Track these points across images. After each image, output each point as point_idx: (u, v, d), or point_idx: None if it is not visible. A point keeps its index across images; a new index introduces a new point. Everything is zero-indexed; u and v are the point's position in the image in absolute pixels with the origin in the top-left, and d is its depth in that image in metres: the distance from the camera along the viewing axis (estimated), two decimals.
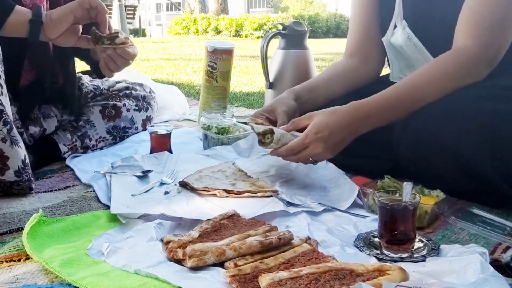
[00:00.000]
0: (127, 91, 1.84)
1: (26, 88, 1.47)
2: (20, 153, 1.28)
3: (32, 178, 1.32)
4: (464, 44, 1.26)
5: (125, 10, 12.41)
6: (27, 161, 1.30)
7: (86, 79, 1.82)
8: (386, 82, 1.45)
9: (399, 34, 1.43)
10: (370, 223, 1.12)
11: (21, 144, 1.29)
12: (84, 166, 1.51)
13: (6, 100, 1.28)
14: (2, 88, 1.27)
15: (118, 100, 1.79)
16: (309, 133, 1.22)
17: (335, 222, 1.13)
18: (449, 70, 1.26)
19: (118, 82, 1.88)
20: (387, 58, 1.58)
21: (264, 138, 1.27)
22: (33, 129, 1.52)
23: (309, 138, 1.21)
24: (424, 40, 1.41)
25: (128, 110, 1.80)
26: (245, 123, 1.92)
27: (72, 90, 1.62)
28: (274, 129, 1.26)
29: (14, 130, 1.27)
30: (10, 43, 1.30)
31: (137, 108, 1.83)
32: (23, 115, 1.50)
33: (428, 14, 1.40)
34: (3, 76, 1.28)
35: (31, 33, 1.27)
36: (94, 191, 1.31)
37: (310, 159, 1.26)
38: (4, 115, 1.25)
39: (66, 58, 1.59)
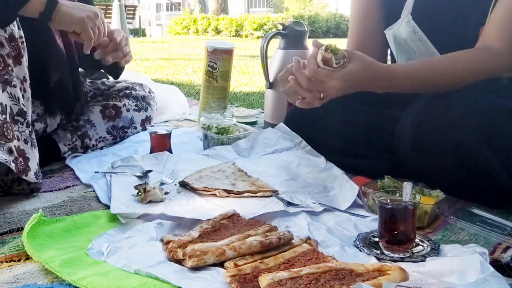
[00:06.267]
0: (127, 91, 1.84)
1: (54, 87, 1.50)
2: (36, 156, 1.30)
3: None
4: (494, 45, 1.26)
5: (125, 10, 12.38)
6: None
7: (86, 80, 1.82)
8: None
9: (402, 27, 1.41)
10: (370, 223, 1.13)
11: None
12: (84, 166, 1.51)
13: (28, 104, 1.31)
14: (25, 92, 1.29)
15: (118, 100, 1.79)
16: (342, 79, 1.20)
17: (335, 222, 1.13)
18: (473, 65, 1.26)
19: (118, 82, 1.88)
20: (391, 51, 1.57)
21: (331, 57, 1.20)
22: (39, 125, 1.53)
23: (338, 83, 1.20)
24: (431, 35, 1.40)
25: (128, 110, 1.80)
26: (245, 122, 1.93)
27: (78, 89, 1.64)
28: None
29: (33, 133, 1.30)
30: (36, 50, 1.37)
31: (136, 108, 1.83)
32: (51, 111, 1.55)
33: (440, 10, 1.39)
34: (28, 80, 1.31)
35: (43, 14, 1.29)
36: (94, 191, 1.32)
37: (322, 95, 1.24)
38: (27, 117, 1.27)
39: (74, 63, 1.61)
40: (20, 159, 1.25)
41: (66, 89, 1.51)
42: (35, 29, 1.40)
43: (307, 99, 1.27)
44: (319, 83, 1.22)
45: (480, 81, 1.25)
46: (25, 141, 1.26)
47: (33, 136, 1.30)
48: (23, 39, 1.29)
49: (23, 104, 1.27)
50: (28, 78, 1.31)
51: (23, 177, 1.25)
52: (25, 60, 1.29)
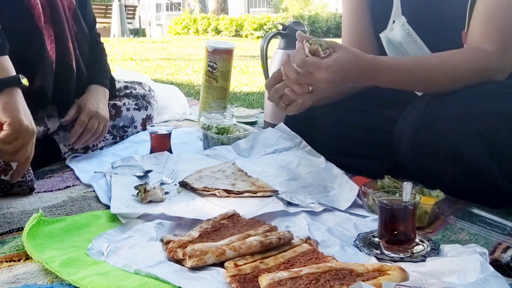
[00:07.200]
0: (127, 91, 1.84)
1: (34, 92, 1.46)
2: None
3: (34, 179, 1.32)
4: (483, 47, 1.24)
5: (125, 10, 12.41)
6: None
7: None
8: None
9: (397, 30, 1.41)
10: (370, 223, 1.12)
11: None
12: (84, 166, 1.51)
13: None
14: None
15: (118, 100, 1.79)
16: (331, 70, 1.18)
17: (335, 222, 1.13)
18: (463, 64, 1.25)
19: (117, 81, 1.88)
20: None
21: (318, 48, 1.22)
22: (38, 129, 1.52)
23: (327, 75, 1.19)
24: (423, 36, 1.39)
25: (128, 109, 1.79)
26: (245, 122, 1.93)
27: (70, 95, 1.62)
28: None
29: None
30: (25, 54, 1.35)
31: (136, 107, 1.83)
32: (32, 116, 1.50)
33: (427, 10, 1.39)
34: None
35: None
36: (94, 191, 1.32)
37: (310, 88, 1.23)
38: None
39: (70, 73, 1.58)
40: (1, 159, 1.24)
41: (46, 95, 1.48)
42: (26, 33, 1.39)
43: (296, 93, 1.25)
44: (308, 75, 1.21)
45: (479, 84, 1.23)
46: None
47: None
48: None
49: None
50: None
51: (2, 177, 1.24)
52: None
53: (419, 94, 1.41)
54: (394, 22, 1.44)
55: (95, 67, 1.70)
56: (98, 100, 1.61)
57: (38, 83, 1.45)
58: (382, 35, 1.47)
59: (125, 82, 1.90)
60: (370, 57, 1.25)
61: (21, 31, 1.38)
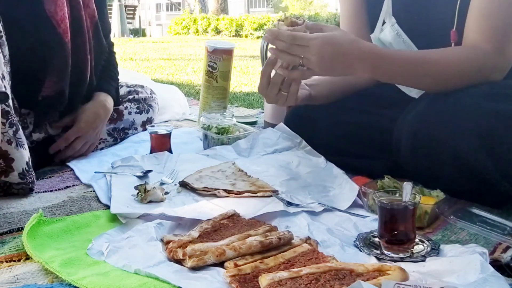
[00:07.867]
0: (130, 96, 1.84)
1: (43, 100, 1.46)
2: (24, 155, 1.28)
3: (35, 180, 1.32)
4: (480, 46, 1.24)
5: (125, 10, 12.42)
6: (30, 163, 1.30)
7: None
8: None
9: (387, 31, 1.41)
10: (370, 223, 1.13)
11: (26, 146, 1.29)
12: (84, 166, 1.51)
13: (11, 103, 1.28)
14: (6, 89, 1.27)
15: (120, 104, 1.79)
16: (321, 40, 1.19)
17: (335, 222, 1.13)
18: (460, 62, 1.25)
19: (120, 86, 1.88)
20: None
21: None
22: (37, 136, 1.51)
23: (317, 43, 1.19)
24: (413, 37, 1.39)
25: (129, 113, 1.80)
26: (245, 122, 1.93)
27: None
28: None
29: (20, 131, 1.27)
30: (32, 61, 1.37)
31: (138, 110, 1.83)
32: (37, 123, 1.50)
33: (418, 11, 1.39)
34: (7, 78, 1.28)
35: None
36: (94, 191, 1.32)
37: (301, 62, 1.23)
38: (10, 117, 1.24)
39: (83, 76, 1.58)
40: (0, 161, 1.24)
41: (59, 102, 1.48)
42: (48, 46, 1.40)
43: (287, 70, 1.26)
44: (298, 47, 1.21)
45: (478, 84, 1.23)
46: (9, 142, 1.23)
47: (20, 135, 1.26)
48: (2, 34, 1.26)
49: (6, 104, 1.23)
50: (7, 76, 1.28)
51: (3, 178, 1.24)
52: (1, 56, 1.26)
53: (416, 96, 1.41)
54: (384, 22, 1.44)
55: (105, 75, 1.69)
56: (96, 116, 1.58)
57: (46, 92, 1.45)
58: (372, 36, 1.47)
59: (128, 87, 1.89)
60: (369, 44, 1.26)
61: (43, 45, 1.39)
